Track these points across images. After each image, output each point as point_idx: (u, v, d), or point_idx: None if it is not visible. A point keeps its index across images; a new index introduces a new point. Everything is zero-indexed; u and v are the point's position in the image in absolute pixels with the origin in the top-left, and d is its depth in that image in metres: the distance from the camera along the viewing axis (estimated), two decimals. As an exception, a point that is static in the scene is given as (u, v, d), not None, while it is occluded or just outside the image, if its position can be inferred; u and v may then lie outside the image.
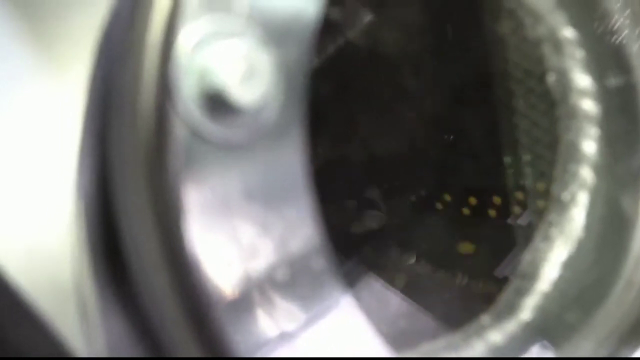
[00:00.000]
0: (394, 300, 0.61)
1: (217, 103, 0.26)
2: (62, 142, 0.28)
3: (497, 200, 0.62)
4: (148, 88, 0.26)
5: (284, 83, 0.28)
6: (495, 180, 0.59)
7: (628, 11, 0.43)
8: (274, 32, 0.28)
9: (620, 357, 0.42)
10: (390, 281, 0.62)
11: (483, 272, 0.60)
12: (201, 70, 0.26)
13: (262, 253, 0.28)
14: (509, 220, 0.57)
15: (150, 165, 0.26)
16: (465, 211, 0.65)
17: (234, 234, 0.27)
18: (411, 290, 0.62)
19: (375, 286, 0.62)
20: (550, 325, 0.43)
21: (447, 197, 0.66)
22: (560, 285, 0.44)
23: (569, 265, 0.44)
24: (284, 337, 0.29)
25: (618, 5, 0.43)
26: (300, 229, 0.29)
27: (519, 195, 0.52)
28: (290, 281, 0.29)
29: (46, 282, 0.29)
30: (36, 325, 0.29)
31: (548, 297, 0.43)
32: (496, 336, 0.41)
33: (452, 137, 0.64)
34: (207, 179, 0.27)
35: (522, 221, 0.54)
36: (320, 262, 0.30)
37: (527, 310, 0.43)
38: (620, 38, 0.43)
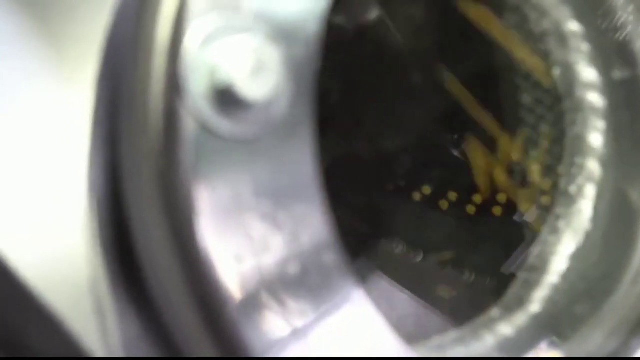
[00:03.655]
0: (403, 299, 0.61)
1: (226, 98, 0.26)
2: (74, 144, 0.29)
3: (502, 197, 0.62)
4: (157, 85, 0.26)
5: (293, 79, 0.28)
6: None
7: (632, 6, 0.43)
8: (282, 29, 0.28)
9: (620, 357, 0.42)
10: (398, 279, 0.63)
11: (491, 268, 0.60)
12: (210, 66, 0.26)
13: (274, 248, 0.28)
14: (516, 217, 0.57)
15: (161, 162, 0.26)
16: (471, 208, 0.65)
17: (245, 230, 0.28)
18: (419, 288, 0.62)
19: (384, 285, 0.62)
20: (560, 317, 0.43)
21: (454, 195, 0.66)
22: (569, 277, 0.44)
23: (577, 257, 0.44)
24: (296, 333, 0.29)
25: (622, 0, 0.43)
26: (311, 223, 0.30)
27: (528, 190, 0.53)
28: (302, 275, 0.29)
29: (61, 282, 0.29)
30: (52, 325, 0.29)
31: (557, 290, 0.43)
32: (506, 329, 0.41)
33: (457, 134, 0.64)
34: (217, 175, 0.27)
35: (529, 217, 0.54)
36: (331, 257, 0.30)
37: (537, 302, 0.43)
38: (625, 32, 0.43)
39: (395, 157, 0.66)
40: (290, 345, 0.29)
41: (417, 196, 0.68)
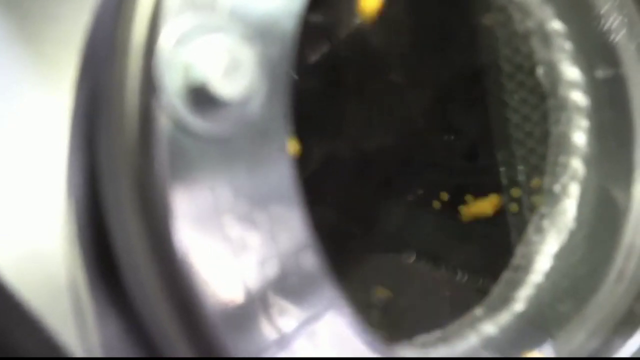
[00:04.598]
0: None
1: (201, 96, 0.26)
2: (53, 144, 0.29)
3: (493, 196, 0.62)
4: (133, 84, 0.26)
5: (268, 77, 0.28)
6: (490, 177, 0.59)
7: (614, 3, 0.43)
8: (257, 28, 0.28)
9: (618, 357, 0.42)
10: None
11: (483, 268, 0.60)
12: (185, 65, 0.26)
13: (252, 248, 0.28)
14: (506, 217, 0.57)
15: (136, 161, 0.26)
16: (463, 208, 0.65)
17: (223, 230, 0.28)
18: (410, 288, 0.62)
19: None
20: (543, 316, 0.43)
21: (444, 195, 0.66)
22: (553, 276, 0.44)
23: (561, 256, 0.44)
24: (281, 339, 0.29)
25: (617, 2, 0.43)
26: (289, 223, 0.29)
27: (514, 190, 0.53)
28: (282, 277, 0.29)
29: (40, 283, 0.29)
30: (31, 325, 0.29)
31: (541, 289, 0.43)
32: (490, 328, 0.41)
33: (445, 135, 0.64)
34: (194, 175, 0.27)
35: (518, 216, 0.54)
36: (311, 259, 0.30)
37: (520, 301, 0.43)
38: (607, 31, 0.43)
39: (386, 158, 0.66)
40: (276, 351, 0.28)
41: (409, 197, 0.68)
